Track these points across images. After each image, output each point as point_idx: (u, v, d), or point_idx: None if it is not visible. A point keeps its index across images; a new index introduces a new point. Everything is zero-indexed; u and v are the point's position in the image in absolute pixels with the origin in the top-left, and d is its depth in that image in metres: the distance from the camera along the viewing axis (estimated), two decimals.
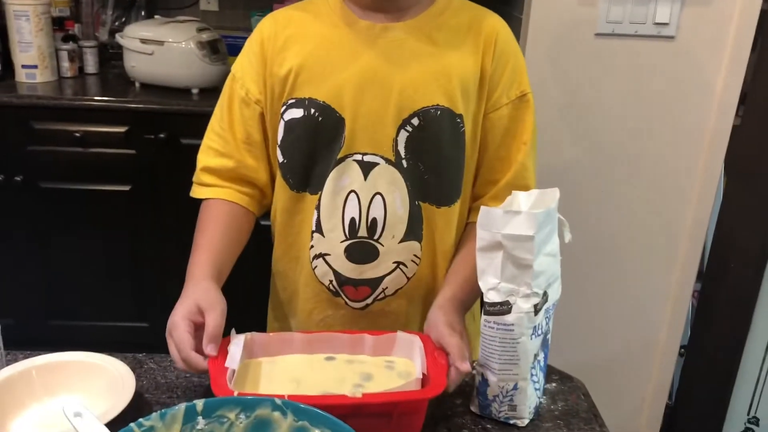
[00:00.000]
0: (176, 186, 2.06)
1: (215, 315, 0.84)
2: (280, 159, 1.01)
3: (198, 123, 2.02)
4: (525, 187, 0.98)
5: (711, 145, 1.72)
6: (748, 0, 1.61)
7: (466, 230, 1.05)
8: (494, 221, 0.80)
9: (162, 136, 2.02)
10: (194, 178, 1.06)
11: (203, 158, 1.04)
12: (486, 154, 1.02)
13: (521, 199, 0.85)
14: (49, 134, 2.02)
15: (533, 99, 1.02)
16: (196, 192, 1.05)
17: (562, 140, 1.71)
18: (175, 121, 2.03)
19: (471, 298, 0.97)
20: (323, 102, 0.96)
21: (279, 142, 1.00)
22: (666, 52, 1.64)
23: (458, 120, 0.97)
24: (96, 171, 2.06)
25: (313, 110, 0.96)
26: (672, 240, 1.81)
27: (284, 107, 0.98)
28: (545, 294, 0.82)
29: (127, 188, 2.08)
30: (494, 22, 1.00)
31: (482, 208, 0.81)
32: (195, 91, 2.10)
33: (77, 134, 2.01)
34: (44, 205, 2.08)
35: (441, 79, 0.95)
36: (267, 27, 1.01)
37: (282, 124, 0.99)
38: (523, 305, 0.80)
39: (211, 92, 2.12)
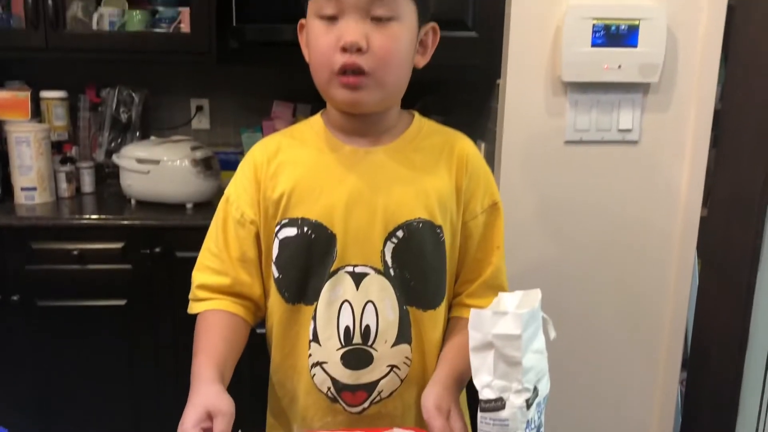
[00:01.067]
0: (172, 298, 2.13)
1: (224, 421, 0.89)
2: (276, 275, 1.08)
3: (193, 236, 2.09)
4: (500, 287, 1.10)
5: (682, 238, 1.83)
6: (702, 103, 1.76)
7: (450, 324, 1.13)
8: (484, 322, 0.87)
9: (158, 250, 2.09)
10: (190, 296, 1.12)
11: (199, 276, 1.11)
12: (466, 258, 1.13)
13: (507, 301, 0.92)
14: (48, 253, 2.08)
15: (503, 207, 1.14)
16: (193, 308, 1.10)
17: (539, 240, 1.80)
18: (170, 235, 2.11)
19: (464, 375, 1.04)
20: (315, 221, 1.04)
21: (274, 259, 1.08)
22: (631, 155, 1.77)
23: (438, 230, 1.07)
24: (92, 287, 2.10)
25: (306, 228, 1.05)
26: (654, 331, 1.88)
27: (278, 227, 1.07)
28: (536, 389, 0.88)
29: (122, 302, 2.12)
30: (464, 144, 1.12)
31: (472, 310, 0.88)
32: (189, 206, 2.19)
33: (75, 252, 2.07)
34: (41, 323, 2.11)
35: (420, 195, 1.06)
36: (258, 154, 1.11)
37: (277, 242, 1.07)
38: (515, 401, 0.86)
39: (205, 206, 2.21)
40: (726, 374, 1.89)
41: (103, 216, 2.13)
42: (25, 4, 2.16)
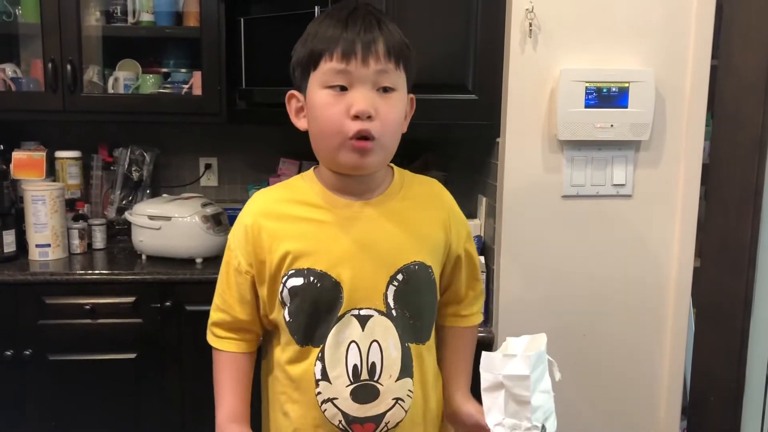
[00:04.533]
0: (180, 351, 2.17)
1: None
2: (287, 319, 1.17)
3: (202, 290, 2.17)
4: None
5: (677, 288, 1.88)
6: (690, 158, 1.84)
7: (448, 334, 1.30)
8: (494, 364, 0.94)
9: (168, 304, 2.14)
10: (208, 329, 1.27)
11: (211, 313, 1.26)
12: (460, 281, 1.29)
13: (515, 344, 0.99)
14: (60, 308, 2.13)
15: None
16: (209, 339, 1.26)
17: (539, 290, 1.86)
18: (180, 289, 2.16)
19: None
20: (321, 271, 1.14)
21: (285, 306, 1.17)
22: (626, 209, 1.85)
23: (430, 270, 1.19)
24: (103, 341, 2.15)
25: (312, 278, 1.14)
26: (653, 379, 1.92)
27: (285, 277, 1.16)
28: (543, 427, 0.94)
29: (133, 356, 2.17)
30: (445, 193, 1.29)
31: (483, 353, 0.96)
32: (199, 260, 2.25)
33: (87, 306, 2.12)
34: (52, 376, 2.14)
35: (412, 240, 1.18)
36: (248, 217, 1.20)
37: (285, 291, 1.16)
38: None
39: (214, 261, 2.28)
40: (725, 420, 1.93)
41: (114, 271, 2.19)
42: (45, 69, 2.27)
